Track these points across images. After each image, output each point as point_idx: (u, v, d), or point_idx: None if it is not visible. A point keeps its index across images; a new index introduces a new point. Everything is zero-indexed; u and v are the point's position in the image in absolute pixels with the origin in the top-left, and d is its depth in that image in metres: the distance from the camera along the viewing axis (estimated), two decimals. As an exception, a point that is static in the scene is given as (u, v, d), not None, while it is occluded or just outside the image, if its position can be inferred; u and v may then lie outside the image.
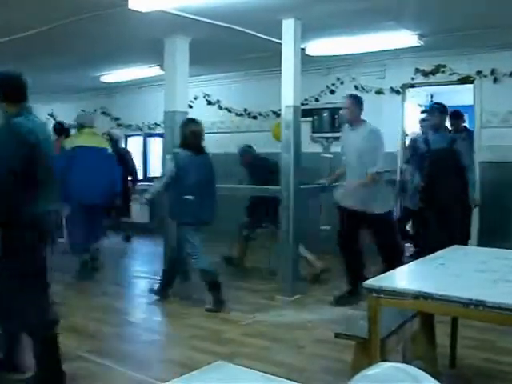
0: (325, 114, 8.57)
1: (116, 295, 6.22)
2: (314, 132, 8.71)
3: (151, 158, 11.18)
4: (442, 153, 6.34)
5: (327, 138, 8.59)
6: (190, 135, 5.53)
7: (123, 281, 6.82)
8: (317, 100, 8.66)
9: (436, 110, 6.52)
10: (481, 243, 6.92)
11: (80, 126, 6.88)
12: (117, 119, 11.34)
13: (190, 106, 8.94)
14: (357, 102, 5.66)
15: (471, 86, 7.49)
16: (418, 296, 2.64)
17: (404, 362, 3.86)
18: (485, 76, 7.29)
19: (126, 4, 5.03)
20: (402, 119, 8.11)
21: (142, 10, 5.23)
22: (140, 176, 10.29)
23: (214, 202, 5.64)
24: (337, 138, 8.47)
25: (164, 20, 5.78)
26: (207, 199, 5.51)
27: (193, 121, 5.74)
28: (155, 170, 10.17)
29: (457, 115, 7.20)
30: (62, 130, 8.15)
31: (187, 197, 5.36)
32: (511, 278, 2.92)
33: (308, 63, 7.16)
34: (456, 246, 4.14)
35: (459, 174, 6.24)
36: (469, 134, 7.42)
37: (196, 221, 5.47)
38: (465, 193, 6.27)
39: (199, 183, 5.42)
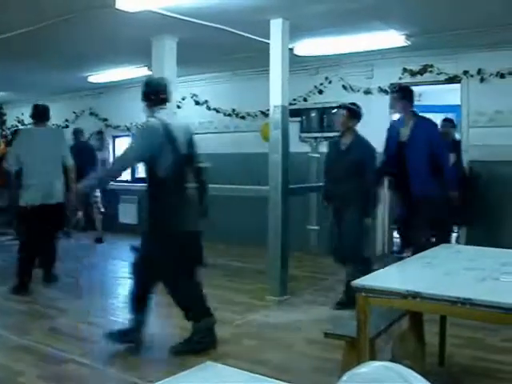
0: (313, 114, 8.59)
1: (104, 296, 6.21)
2: (302, 132, 8.72)
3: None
4: None
5: (315, 137, 8.61)
6: None
7: (110, 281, 6.79)
8: (305, 100, 8.67)
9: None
10: (469, 241, 6.97)
11: None
12: (105, 120, 11.30)
13: (178, 107, 8.93)
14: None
15: (458, 85, 7.54)
16: (407, 295, 2.65)
17: (393, 360, 3.86)
18: (471, 76, 7.33)
19: (114, 4, 5.01)
20: (390, 119, 8.11)
21: (129, 10, 5.21)
22: (128, 176, 10.38)
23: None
24: (325, 138, 8.53)
25: (151, 20, 5.77)
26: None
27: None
28: (143, 170, 10.13)
29: None
30: None
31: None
32: (498, 276, 2.93)
33: (296, 63, 7.17)
34: (444, 245, 4.16)
35: None
36: None
37: None
38: None
39: None
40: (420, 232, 5.69)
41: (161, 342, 4.67)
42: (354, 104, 5.72)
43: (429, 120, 5.95)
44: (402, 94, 5.81)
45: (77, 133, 9.79)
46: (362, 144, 5.53)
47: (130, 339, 4.41)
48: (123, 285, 6.79)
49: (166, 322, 5.19)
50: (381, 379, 1.05)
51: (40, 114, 6.50)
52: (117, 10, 5.12)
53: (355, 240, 5.43)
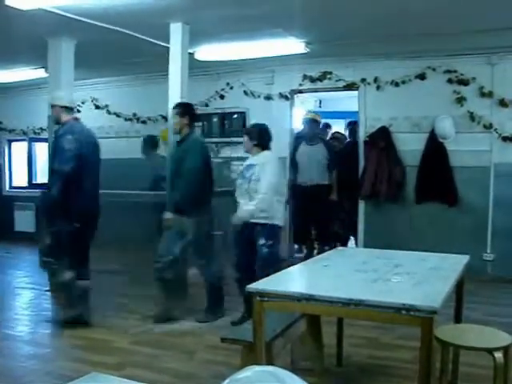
0: (214, 119, 8.56)
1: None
2: (203, 137, 8.67)
3: (37, 163, 10.70)
4: None
5: (217, 143, 8.59)
6: None
7: (5, 292, 6.50)
8: (206, 105, 8.64)
9: None
10: (366, 244, 7.20)
11: None
12: (-1, 123, 10.82)
13: (78, 111, 8.68)
14: None
15: (356, 92, 7.76)
16: (301, 298, 2.68)
17: (292, 363, 3.93)
18: (368, 83, 7.58)
19: (3, 0, 4.78)
20: (291, 124, 8.26)
21: (20, 7, 4.98)
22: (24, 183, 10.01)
23: None
24: (226, 144, 8.52)
25: (47, 19, 5.54)
26: None
27: None
28: (41, 175, 9.79)
29: None
30: None
31: None
32: (389, 277, 3.03)
33: (197, 68, 7.15)
34: (341, 248, 4.26)
35: None
36: None
37: None
38: None
39: None
40: None
41: (56, 354, 4.52)
42: None
43: None
44: None
45: None
46: None
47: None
48: (19, 296, 6.53)
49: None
50: (259, 383, 1.05)
51: None
52: (7, 6, 4.87)
53: None
